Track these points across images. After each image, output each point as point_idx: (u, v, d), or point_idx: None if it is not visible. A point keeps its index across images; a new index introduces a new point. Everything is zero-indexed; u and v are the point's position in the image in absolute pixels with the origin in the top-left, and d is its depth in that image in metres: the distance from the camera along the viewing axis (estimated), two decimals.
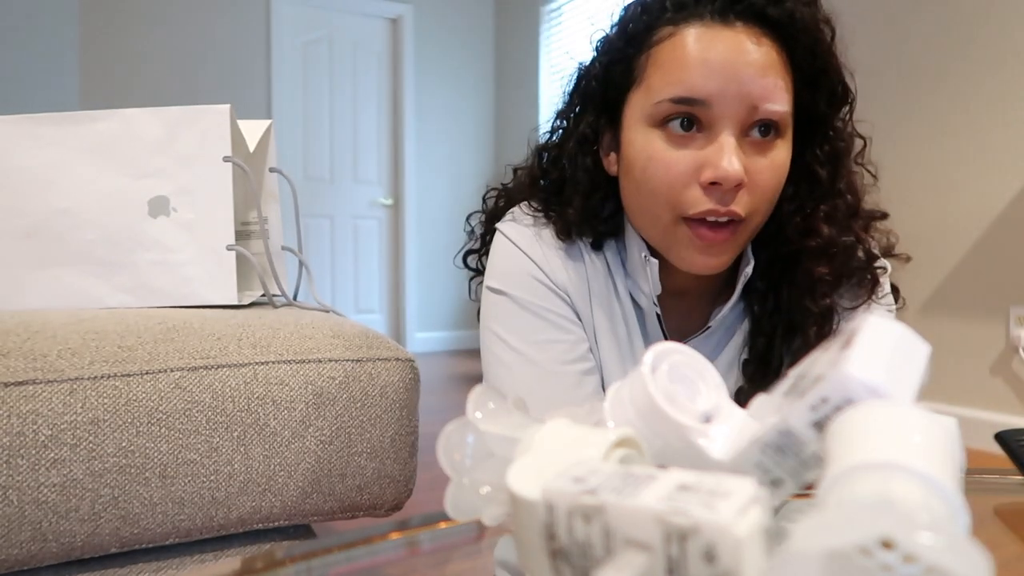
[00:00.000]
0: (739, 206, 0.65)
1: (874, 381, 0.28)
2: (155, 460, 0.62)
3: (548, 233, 0.78)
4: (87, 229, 0.79)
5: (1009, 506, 0.62)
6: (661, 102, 0.66)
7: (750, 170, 0.65)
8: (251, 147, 0.88)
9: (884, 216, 0.78)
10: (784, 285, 0.74)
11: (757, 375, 0.76)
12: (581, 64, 0.77)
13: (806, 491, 0.30)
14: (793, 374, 0.33)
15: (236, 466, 0.65)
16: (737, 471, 0.31)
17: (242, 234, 0.88)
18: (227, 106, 0.80)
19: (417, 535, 0.54)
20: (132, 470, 0.61)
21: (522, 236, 0.77)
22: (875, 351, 0.29)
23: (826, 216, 0.71)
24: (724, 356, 0.78)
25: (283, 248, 0.94)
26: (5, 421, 0.57)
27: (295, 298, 0.91)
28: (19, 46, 3.77)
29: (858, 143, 0.76)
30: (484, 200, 0.88)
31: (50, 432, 0.58)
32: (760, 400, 0.34)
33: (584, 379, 0.75)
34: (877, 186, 0.79)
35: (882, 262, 0.77)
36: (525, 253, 0.77)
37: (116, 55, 4.15)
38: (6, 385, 0.57)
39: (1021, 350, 2.43)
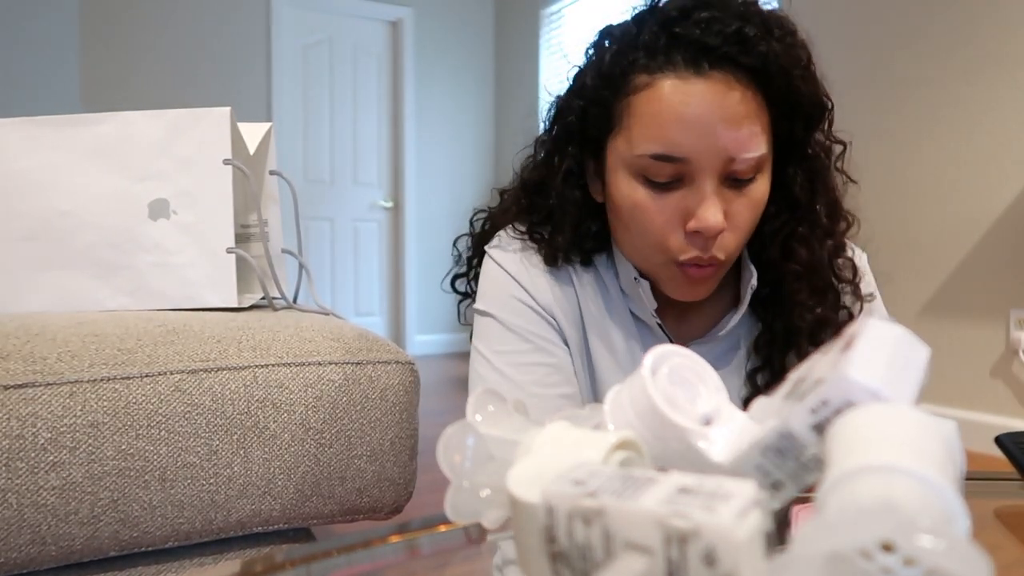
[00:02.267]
0: (719, 251, 0.69)
1: (874, 384, 0.28)
2: (154, 463, 0.61)
3: (535, 257, 0.80)
4: (87, 232, 0.79)
5: (1010, 509, 0.62)
6: (641, 156, 0.68)
7: (730, 213, 0.68)
8: (251, 150, 0.88)
9: (851, 223, 0.80)
10: (774, 302, 0.77)
11: (763, 385, 0.77)
12: (559, 96, 0.79)
13: (806, 494, 0.30)
14: (793, 377, 0.33)
15: (236, 469, 0.65)
16: (737, 474, 0.31)
17: (242, 237, 0.88)
18: (227, 109, 0.80)
19: (417, 538, 0.54)
20: (131, 473, 0.61)
21: (509, 260, 0.79)
22: (875, 354, 0.29)
23: (803, 238, 0.74)
24: (734, 363, 0.80)
25: (283, 251, 0.94)
26: (4, 424, 0.57)
27: (295, 301, 0.91)
28: (19, 49, 3.78)
29: (836, 148, 0.77)
30: (472, 223, 0.90)
31: (49, 435, 0.58)
32: (760, 403, 0.34)
33: (562, 403, 0.76)
34: (859, 187, 0.82)
35: (856, 250, 0.80)
36: (511, 275, 0.79)
37: (116, 58, 4.16)
38: (5, 388, 0.57)
39: (1021, 352, 2.43)
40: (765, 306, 0.78)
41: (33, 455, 0.57)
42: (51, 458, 0.58)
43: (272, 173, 0.93)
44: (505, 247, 0.81)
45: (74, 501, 0.59)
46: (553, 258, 0.79)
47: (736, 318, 0.77)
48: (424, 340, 4.94)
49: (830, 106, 0.74)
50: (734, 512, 0.22)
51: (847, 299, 0.77)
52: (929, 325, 2.66)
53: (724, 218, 0.67)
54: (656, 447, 0.33)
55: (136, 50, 4.20)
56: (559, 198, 0.78)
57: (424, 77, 4.99)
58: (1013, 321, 2.45)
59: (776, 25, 0.70)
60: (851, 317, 0.77)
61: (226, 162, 0.80)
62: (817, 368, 0.31)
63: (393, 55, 4.98)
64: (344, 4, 4.80)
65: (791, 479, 0.31)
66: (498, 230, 0.84)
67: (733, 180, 0.68)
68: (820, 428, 0.29)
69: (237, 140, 0.83)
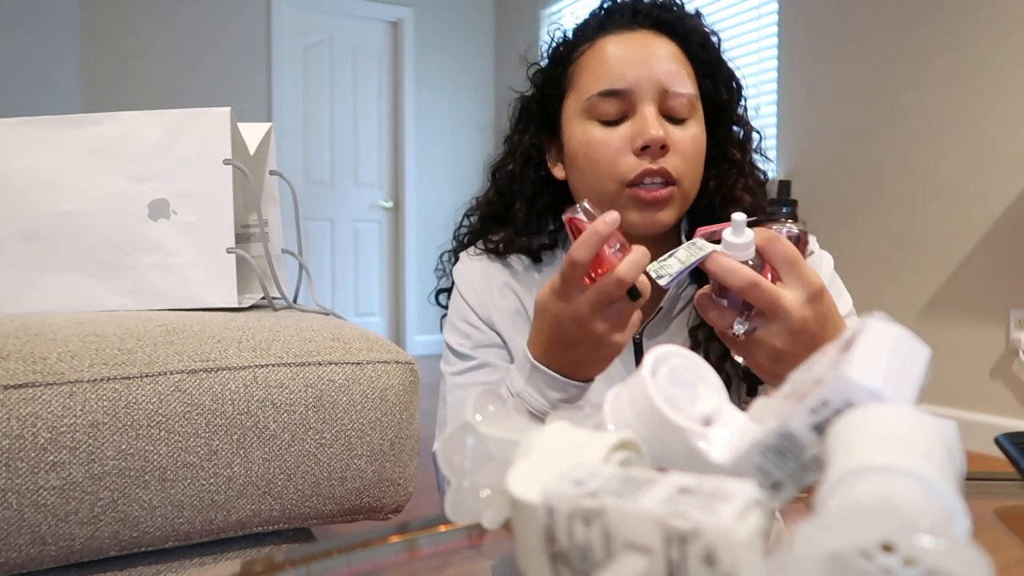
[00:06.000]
0: (669, 165, 0.77)
1: (874, 384, 0.28)
2: (154, 463, 0.61)
3: (489, 266, 0.89)
4: (87, 232, 0.79)
5: (1010, 509, 0.62)
6: (591, 97, 0.79)
7: (672, 137, 0.78)
8: (251, 150, 0.88)
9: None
10: None
11: (704, 339, 0.84)
12: (521, 94, 0.91)
13: (806, 494, 0.30)
14: (793, 377, 0.33)
15: (235, 469, 0.65)
16: (737, 474, 0.31)
17: (242, 237, 0.88)
18: (227, 109, 0.80)
19: (417, 538, 0.54)
20: (131, 473, 0.61)
21: (459, 275, 0.90)
22: (875, 354, 0.29)
23: (745, 187, 0.84)
24: (679, 330, 0.87)
25: (283, 251, 0.94)
26: (4, 424, 0.57)
27: (295, 301, 0.91)
28: (19, 49, 3.77)
29: (755, 136, 0.89)
30: (454, 236, 0.98)
31: (49, 435, 0.58)
32: (760, 403, 0.34)
33: None
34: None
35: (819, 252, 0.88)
36: (461, 295, 0.89)
37: (117, 58, 4.15)
38: (5, 388, 0.57)
39: (1021, 353, 2.43)
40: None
41: (33, 455, 0.57)
42: (51, 458, 0.58)
43: (272, 173, 0.93)
44: (462, 263, 0.90)
45: (74, 501, 0.59)
46: (509, 245, 0.88)
47: (671, 290, 0.83)
48: (424, 340, 4.94)
49: (745, 89, 0.87)
50: (734, 512, 0.22)
51: None
52: (929, 325, 2.66)
53: (668, 141, 0.76)
54: (656, 447, 0.33)
55: (136, 50, 4.20)
56: (518, 175, 0.88)
57: (424, 77, 4.98)
58: (1013, 321, 2.45)
59: (690, 10, 0.85)
60: None
61: (226, 162, 0.80)
62: (817, 368, 0.31)
63: (393, 55, 4.98)
64: (344, 4, 4.80)
65: (791, 479, 0.31)
66: (473, 235, 0.93)
67: (670, 118, 0.79)
68: (820, 428, 0.29)
69: (237, 140, 0.83)
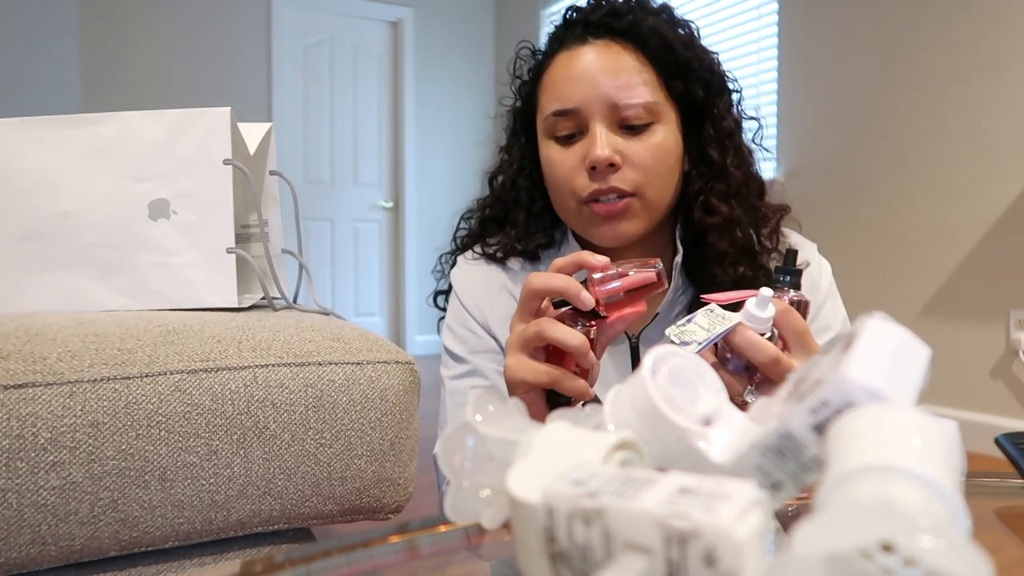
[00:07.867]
0: (620, 182, 0.77)
1: (874, 384, 0.28)
2: (154, 463, 0.61)
3: (487, 270, 0.90)
4: (88, 232, 0.79)
5: (1011, 509, 0.62)
6: (547, 117, 0.82)
7: (626, 152, 0.77)
8: (251, 150, 0.88)
9: (785, 209, 0.87)
10: (703, 268, 0.83)
11: None
12: (511, 107, 0.93)
13: (806, 494, 0.30)
14: (793, 377, 0.33)
15: (235, 469, 0.65)
16: (737, 474, 0.31)
17: (242, 237, 0.88)
18: (227, 109, 0.80)
19: (417, 538, 0.54)
20: (131, 473, 0.61)
21: (456, 280, 0.91)
22: (875, 354, 0.29)
23: (722, 194, 0.81)
24: None
25: (283, 251, 0.94)
26: (4, 424, 0.57)
27: (295, 301, 0.91)
28: (19, 49, 3.77)
29: (753, 124, 0.87)
30: (454, 238, 0.99)
31: (49, 435, 0.58)
32: (760, 403, 0.34)
33: None
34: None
35: (819, 260, 0.86)
36: (458, 297, 0.89)
37: (117, 58, 4.15)
38: (6, 388, 0.57)
39: (1021, 353, 2.43)
40: (697, 275, 0.85)
41: (33, 455, 0.57)
42: (51, 458, 0.58)
43: (272, 173, 0.93)
44: (459, 268, 0.91)
45: (74, 501, 0.59)
46: (505, 250, 0.89)
47: (668, 295, 0.84)
48: (424, 340, 4.95)
49: (731, 81, 0.85)
50: (734, 512, 0.22)
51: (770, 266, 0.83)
52: (929, 325, 2.66)
53: (620, 157, 0.77)
54: (656, 447, 0.33)
55: (136, 50, 4.20)
56: (512, 183, 0.90)
57: (424, 77, 4.98)
58: (1013, 321, 2.45)
59: (653, 6, 0.83)
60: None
61: (226, 162, 0.80)
62: (817, 368, 0.31)
63: (393, 55, 4.98)
64: (344, 4, 4.80)
65: (791, 479, 0.31)
66: (471, 238, 0.94)
67: (628, 127, 0.78)
68: (820, 429, 0.29)
69: (237, 140, 0.83)
